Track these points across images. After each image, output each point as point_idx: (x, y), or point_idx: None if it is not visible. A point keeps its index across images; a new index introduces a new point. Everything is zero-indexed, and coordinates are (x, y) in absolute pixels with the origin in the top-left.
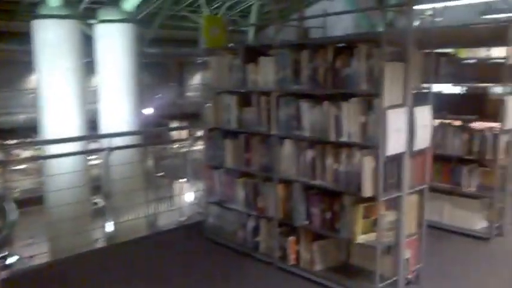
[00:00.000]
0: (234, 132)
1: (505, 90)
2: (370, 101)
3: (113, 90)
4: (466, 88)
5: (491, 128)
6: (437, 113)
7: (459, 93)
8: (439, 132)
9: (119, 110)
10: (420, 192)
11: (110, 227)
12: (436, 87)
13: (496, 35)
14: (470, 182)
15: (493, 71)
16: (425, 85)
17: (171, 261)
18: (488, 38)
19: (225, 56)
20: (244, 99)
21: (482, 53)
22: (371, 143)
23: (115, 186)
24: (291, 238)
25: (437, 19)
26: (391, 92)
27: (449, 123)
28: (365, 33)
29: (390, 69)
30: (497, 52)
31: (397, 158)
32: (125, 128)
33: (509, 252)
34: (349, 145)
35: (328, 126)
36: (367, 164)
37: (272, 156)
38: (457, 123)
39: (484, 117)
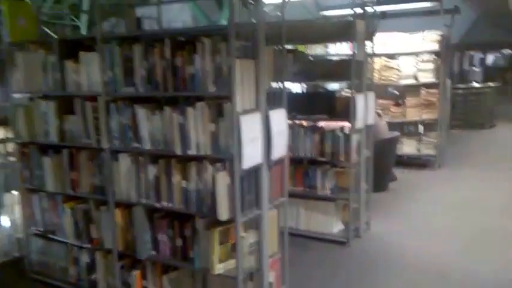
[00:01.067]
0: (54, 147)
1: (354, 87)
2: (219, 105)
3: None
4: (314, 86)
5: (342, 128)
6: (287, 113)
7: (308, 92)
8: (290, 134)
9: None
10: (280, 206)
11: None
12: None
13: (343, 30)
14: (325, 184)
15: (341, 68)
16: (275, 85)
17: None
18: (335, 33)
19: (37, 51)
20: (66, 106)
21: (319, 49)
22: (224, 156)
23: None
24: (136, 272)
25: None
26: (243, 94)
27: (300, 124)
28: (209, 26)
29: (241, 67)
30: (335, 49)
31: (254, 171)
32: None
33: (367, 253)
34: (198, 159)
35: (172, 136)
36: (221, 181)
37: (105, 175)
38: (308, 123)
39: (334, 117)
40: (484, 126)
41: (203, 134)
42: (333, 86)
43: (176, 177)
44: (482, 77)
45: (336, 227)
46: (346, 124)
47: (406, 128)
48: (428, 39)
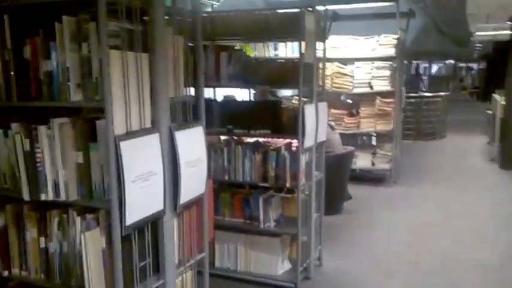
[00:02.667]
0: None
1: (302, 95)
2: (91, 122)
3: None
4: (255, 93)
5: (288, 146)
6: (219, 127)
7: (246, 101)
8: (226, 153)
9: None
10: (198, 266)
11: None
12: (210, 93)
13: (289, 25)
14: (269, 214)
15: (287, 72)
16: (192, 90)
17: None
18: (281, 29)
19: None
20: None
21: (270, 53)
22: (97, 203)
23: None
24: None
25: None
26: (127, 105)
27: (238, 141)
28: None
29: (122, 63)
30: (285, 51)
31: (150, 224)
32: None
33: None
34: (61, 206)
35: (19, 171)
36: (92, 244)
37: None
38: (247, 140)
39: (279, 132)
40: (435, 136)
41: (65, 168)
42: (286, 92)
43: (31, 233)
44: (428, 86)
45: (281, 268)
46: (294, 141)
47: (359, 140)
48: (384, 44)
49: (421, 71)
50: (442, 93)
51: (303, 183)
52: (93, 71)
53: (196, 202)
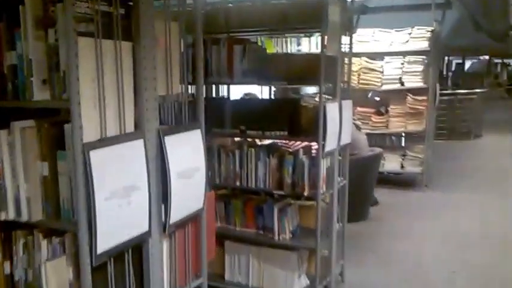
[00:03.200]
0: None
1: (323, 92)
2: (59, 126)
3: None
4: (275, 91)
5: (307, 150)
6: (231, 128)
7: (262, 99)
8: (237, 156)
9: None
10: None
11: None
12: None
13: (311, 16)
14: (284, 225)
15: (307, 67)
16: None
17: None
18: (301, 19)
19: None
20: None
21: (292, 48)
22: (65, 225)
23: None
24: None
25: None
26: (100, 105)
27: (251, 143)
28: None
29: (94, 53)
30: (309, 48)
31: (134, 249)
32: None
33: None
34: (26, 226)
35: None
36: (55, 275)
37: None
38: (261, 142)
39: (297, 134)
40: (470, 136)
41: (27, 182)
42: (310, 90)
43: None
44: (461, 83)
45: (298, 285)
46: (313, 144)
47: (388, 141)
48: (417, 37)
49: (453, 67)
50: (478, 90)
51: (323, 191)
52: (60, 64)
53: (193, 218)
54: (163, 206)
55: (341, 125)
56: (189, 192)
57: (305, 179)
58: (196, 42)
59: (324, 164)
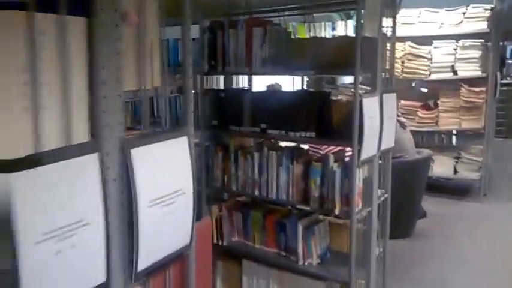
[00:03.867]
0: None
1: (359, 83)
2: None
3: None
4: (308, 81)
5: (339, 156)
6: (250, 125)
7: (286, 92)
8: (254, 160)
9: None
10: None
11: None
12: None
13: None
14: (311, 247)
15: (340, 52)
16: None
17: None
18: None
19: None
20: None
21: (326, 33)
22: None
23: None
24: None
25: None
26: (26, 105)
27: (270, 145)
28: None
29: (27, 29)
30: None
31: None
32: None
33: None
34: None
35: None
36: None
37: None
38: (284, 144)
39: (326, 135)
40: None
41: None
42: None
43: None
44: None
45: None
46: (347, 150)
47: (437, 140)
48: (473, 17)
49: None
50: None
51: (359, 209)
52: None
53: (177, 259)
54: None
55: (382, 125)
56: (169, 225)
57: (336, 192)
58: (183, 26)
59: (360, 175)
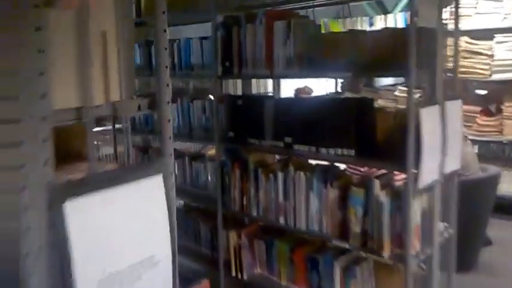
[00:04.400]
0: None
1: (414, 87)
2: None
3: None
4: (343, 84)
5: (388, 181)
6: (273, 139)
7: (317, 98)
8: (278, 181)
9: None
10: None
11: None
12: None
13: None
14: None
15: (386, 48)
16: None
17: None
18: None
19: None
20: None
21: (364, 26)
22: None
23: None
24: None
25: None
26: None
27: (298, 163)
28: None
29: None
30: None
31: None
32: None
33: None
34: None
35: None
36: None
37: None
38: (315, 163)
39: (370, 155)
40: None
41: None
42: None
43: None
44: None
45: None
46: (397, 174)
47: (499, 151)
48: None
49: None
50: None
51: (417, 251)
52: None
53: None
54: None
55: (445, 142)
56: None
57: (384, 229)
58: (157, 21)
59: (416, 207)
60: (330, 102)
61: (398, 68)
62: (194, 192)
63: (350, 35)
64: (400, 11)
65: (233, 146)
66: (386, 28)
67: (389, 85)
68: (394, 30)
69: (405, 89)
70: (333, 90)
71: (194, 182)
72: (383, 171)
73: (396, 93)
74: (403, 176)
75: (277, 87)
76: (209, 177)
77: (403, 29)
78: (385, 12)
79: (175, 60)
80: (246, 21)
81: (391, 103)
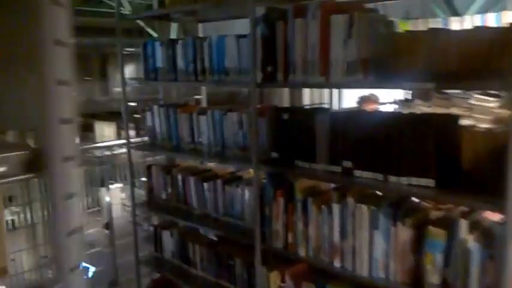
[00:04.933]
0: None
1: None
2: None
3: None
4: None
5: (477, 221)
6: (326, 163)
7: (382, 114)
8: (333, 216)
9: None
10: None
11: None
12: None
13: None
14: None
15: (479, 50)
16: None
17: None
18: None
19: None
20: None
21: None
22: None
23: None
24: None
25: None
26: None
27: (357, 194)
28: None
29: None
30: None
31: None
32: None
33: None
34: None
35: None
36: None
37: None
38: (381, 194)
39: (454, 187)
40: None
41: None
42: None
43: None
44: None
45: None
46: (490, 214)
47: None
48: None
49: None
50: None
51: None
52: None
53: None
54: None
55: None
56: None
57: (471, 281)
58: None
59: None
60: (401, 118)
61: (497, 77)
62: (227, 222)
63: (431, 34)
64: (475, 13)
65: (277, 170)
66: (479, 27)
67: (458, 91)
68: (493, 29)
69: (484, 97)
70: (401, 97)
71: (228, 210)
72: (469, 211)
73: (471, 101)
74: (500, 215)
75: (334, 97)
76: (245, 205)
77: (504, 28)
78: (455, 14)
79: (205, 63)
80: (295, 15)
81: (465, 111)
